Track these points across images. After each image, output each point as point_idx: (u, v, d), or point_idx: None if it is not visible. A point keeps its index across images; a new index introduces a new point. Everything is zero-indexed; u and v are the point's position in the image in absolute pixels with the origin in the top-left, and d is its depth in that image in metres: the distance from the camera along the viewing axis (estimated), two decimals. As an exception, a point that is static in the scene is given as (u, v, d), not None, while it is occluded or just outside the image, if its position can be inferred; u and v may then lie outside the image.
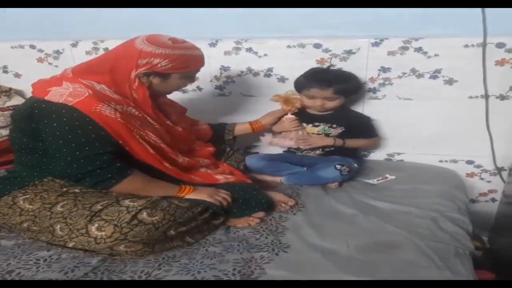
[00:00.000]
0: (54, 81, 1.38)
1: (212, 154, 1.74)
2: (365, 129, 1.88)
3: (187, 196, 1.43)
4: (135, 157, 1.38)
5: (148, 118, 1.44)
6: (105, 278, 1.19)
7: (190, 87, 2.04)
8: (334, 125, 1.82)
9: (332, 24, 1.77)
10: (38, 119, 1.31)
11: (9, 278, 1.17)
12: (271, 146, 1.93)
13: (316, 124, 1.84)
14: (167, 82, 1.45)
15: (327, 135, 1.83)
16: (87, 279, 1.18)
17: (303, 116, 1.86)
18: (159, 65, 1.36)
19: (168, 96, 1.64)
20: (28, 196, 1.37)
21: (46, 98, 1.31)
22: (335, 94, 1.73)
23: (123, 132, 1.33)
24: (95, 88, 1.34)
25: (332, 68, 1.81)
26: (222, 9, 1.80)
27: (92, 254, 1.27)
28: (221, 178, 1.63)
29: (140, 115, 1.41)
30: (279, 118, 1.89)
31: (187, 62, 1.42)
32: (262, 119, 1.90)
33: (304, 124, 1.86)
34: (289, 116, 1.85)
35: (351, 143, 1.84)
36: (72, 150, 1.28)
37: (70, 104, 1.27)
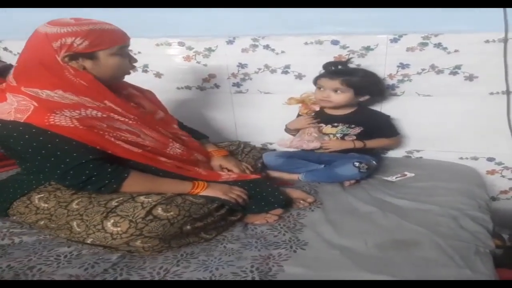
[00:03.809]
0: None
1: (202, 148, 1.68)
2: (385, 128, 1.86)
3: (201, 193, 1.42)
4: (124, 158, 1.34)
5: (115, 116, 1.36)
6: (124, 274, 1.20)
7: (207, 84, 2.05)
8: (353, 125, 1.81)
9: (350, 20, 1.75)
10: (3, 139, 1.28)
11: (30, 274, 1.19)
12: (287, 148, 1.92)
13: (335, 124, 1.83)
14: (100, 63, 1.34)
15: (346, 135, 1.82)
16: (107, 275, 1.20)
17: (322, 117, 1.85)
18: (74, 45, 1.27)
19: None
20: (42, 195, 1.37)
21: None
22: (342, 85, 1.72)
23: (93, 138, 1.28)
24: (40, 97, 1.25)
25: (350, 63, 1.80)
26: (239, 6, 1.80)
27: (112, 251, 1.28)
28: (223, 173, 1.59)
29: (104, 115, 1.33)
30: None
31: (102, 37, 1.31)
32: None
33: (323, 125, 1.85)
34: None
35: (372, 143, 1.82)
36: (55, 164, 1.26)
37: (22, 121, 1.21)
